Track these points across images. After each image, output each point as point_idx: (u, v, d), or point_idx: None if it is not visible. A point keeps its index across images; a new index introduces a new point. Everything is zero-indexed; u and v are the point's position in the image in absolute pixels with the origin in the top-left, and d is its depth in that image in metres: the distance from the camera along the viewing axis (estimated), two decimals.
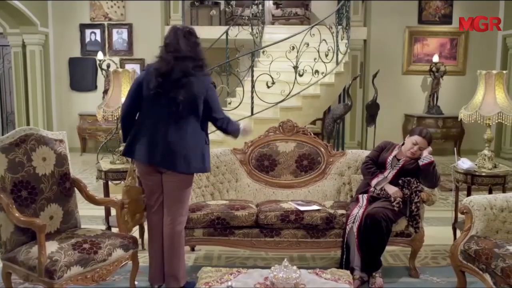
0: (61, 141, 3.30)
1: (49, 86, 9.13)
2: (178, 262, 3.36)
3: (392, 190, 3.72)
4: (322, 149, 4.39)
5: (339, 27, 7.02)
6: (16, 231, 2.96)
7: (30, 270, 2.79)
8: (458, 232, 4.27)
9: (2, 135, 7.18)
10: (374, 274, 3.57)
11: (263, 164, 4.36)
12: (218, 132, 5.96)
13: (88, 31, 9.18)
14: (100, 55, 8.80)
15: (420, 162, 3.70)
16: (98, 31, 9.17)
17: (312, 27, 6.20)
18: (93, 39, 9.20)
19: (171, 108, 3.14)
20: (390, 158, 3.85)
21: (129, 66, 8.75)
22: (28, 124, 8.66)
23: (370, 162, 3.92)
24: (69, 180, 3.29)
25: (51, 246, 2.85)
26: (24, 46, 8.73)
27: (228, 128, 3.37)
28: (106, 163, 4.52)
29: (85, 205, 3.82)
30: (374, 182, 3.81)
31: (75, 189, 3.36)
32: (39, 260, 2.72)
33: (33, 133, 3.14)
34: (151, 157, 3.19)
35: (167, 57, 3.14)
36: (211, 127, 3.40)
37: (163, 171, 3.24)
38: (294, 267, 2.60)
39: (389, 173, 3.81)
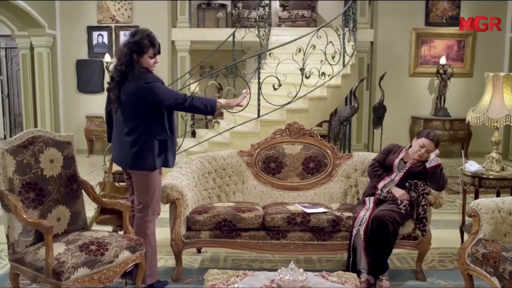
0: (68, 143, 3.32)
1: (57, 88, 9.19)
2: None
3: (399, 193, 3.70)
4: (329, 152, 4.38)
5: (346, 29, 7.01)
6: (23, 233, 2.98)
7: (37, 271, 2.81)
8: (466, 235, 4.24)
9: (10, 136, 7.21)
10: (380, 277, 3.56)
11: (270, 166, 4.36)
12: (225, 134, 6.05)
13: (95, 33, 9.23)
14: (107, 57, 8.85)
15: (427, 165, 3.68)
16: (105, 33, 9.22)
17: (319, 29, 6.19)
18: (100, 41, 9.24)
19: (114, 110, 3.42)
20: (397, 160, 3.84)
21: None
22: (35, 126, 8.72)
23: (377, 164, 3.91)
24: (76, 181, 3.31)
25: (59, 248, 2.86)
26: (32, 48, 8.79)
27: (194, 104, 3.43)
28: (113, 165, 4.52)
29: (92, 207, 3.84)
30: (381, 185, 3.80)
31: (82, 190, 3.37)
32: (46, 262, 2.73)
33: (41, 135, 3.16)
34: (114, 156, 3.58)
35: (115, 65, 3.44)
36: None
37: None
38: (301, 270, 2.59)
39: (396, 176, 3.79)
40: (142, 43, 3.31)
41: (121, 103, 3.35)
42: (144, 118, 3.34)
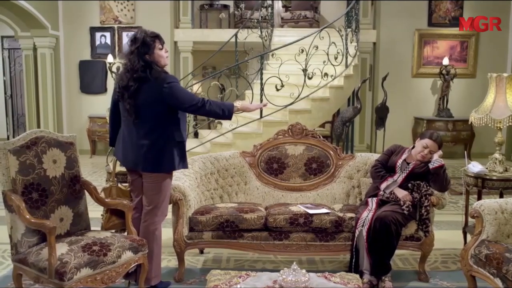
0: (71, 143, 3.32)
1: (60, 89, 9.21)
2: (151, 261, 3.37)
3: (401, 194, 3.70)
4: (331, 152, 4.38)
5: (348, 29, 7.01)
6: (26, 233, 2.98)
7: (40, 271, 2.81)
8: (469, 236, 4.23)
9: (13, 137, 7.23)
10: (383, 278, 3.55)
11: (272, 167, 4.36)
12: (227, 135, 6.05)
13: (98, 34, 9.25)
14: (110, 58, 8.85)
15: (430, 166, 3.68)
16: (108, 34, 9.23)
17: (321, 29, 6.19)
18: (103, 42, 9.26)
19: (128, 115, 3.33)
20: (399, 161, 3.83)
21: None
22: (38, 126, 8.74)
23: (379, 165, 3.91)
24: (79, 182, 3.31)
25: (61, 248, 2.86)
26: (35, 49, 8.81)
27: (212, 109, 3.38)
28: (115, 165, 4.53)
29: (94, 207, 3.84)
30: (383, 185, 3.79)
31: (85, 191, 3.38)
32: (49, 262, 2.74)
33: (44, 136, 3.16)
34: (124, 159, 3.48)
35: (122, 70, 3.36)
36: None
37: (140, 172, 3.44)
38: (303, 271, 2.59)
39: (399, 177, 3.79)
40: (146, 41, 3.27)
41: (136, 106, 3.28)
42: (161, 120, 3.30)
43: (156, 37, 3.32)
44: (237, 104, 3.53)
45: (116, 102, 3.47)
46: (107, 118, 4.70)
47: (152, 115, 3.28)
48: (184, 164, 3.45)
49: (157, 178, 3.38)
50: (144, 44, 3.25)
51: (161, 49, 3.34)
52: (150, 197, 3.43)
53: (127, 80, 3.27)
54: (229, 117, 3.48)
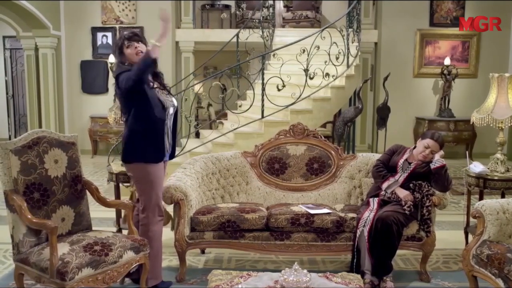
0: (72, 143, 3.33)
1: (61, 89, 9.22)
2: (151, 261, 3.36)
3: (403, 193, 3.70)
4: (333, 152, 4.38)
5: (350, 29, 7.00)
6: (28, 233, 2.99)
7: (41, 271, 2.82)
8: (470, 237, 4.23)
9: (15, 137, 7.25)
10: (384, 278, 3.55)
11: (274, 167, 4.36)
12: (229, 135, 6.05)
13: (99, 34, 9.25)
14: (111, 58, 8.84)
15: (432, 166, 3.67)
16: (109, 34, 9.24)
17: (323, 30, 6.18)
18: (104, 42, 9.27)
19: None
20: (401, 161, 3.83)
21: None
22: (40, 126, 8.75)
23: (381, 165, 3.90)
24: (81, 182, 3.32)
25: (63, 248, 2.87)
26: (36, 49, 8.82)
27: (131, 74, 3.20)
28: (117, 166, 4.54)
29: (96, 207, 3.84)
30: (385, 185, 3.79)
31: (87, 191, 3.38)
32: (50, 262, 2.74)
33: (46, 136, 3.17)
34: None
35: None
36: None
37: None
38: (305, 271, 2.59)
39: (400, 177, 3.79)
40: (117, 43, 3.40)
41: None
42: (126, 111, 3.40)
43: (125, 38, 3.40)
44: (149, 47, 3.28)
45: None
46: (109, 118, 4.72)
47: (121, 108, 3.46)
48: (146, 155, 3.34)
49: (129, 169, 3.47)
50: (116, 47, 3.43)
51: (128, 47, 3.37)
52: (137, 191, 3.53)
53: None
54: (149, 62, 3.20)
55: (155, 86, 3.42)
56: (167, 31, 3.31)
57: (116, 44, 3.41)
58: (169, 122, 3.45)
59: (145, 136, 3.34)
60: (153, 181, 3.41)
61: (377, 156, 4.20)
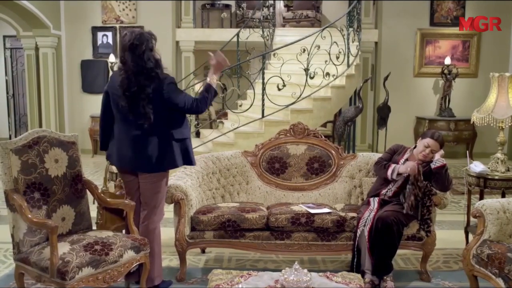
0: (73, 143, 3.33)
1: (61, 88, 9.22)
2: (153, 261, 3.37)
3: (406, 167, 3.68)
4: (333, 152, 4.38)
5: (350, 29, 7.00)
6: (28, 232, 2.99)
7: (42, 271, 2.82)
8: (471, 236, 4.23)
9: (15, 137, 7.23)
10: (385, 277, 3.55)
11: (274, 166, 4.36)
12: (229, 134, 6.05)
13: (100, 34, 9.25)
14: (111, 58, 8.87)
15: (432, 165, 3.67)
16: (109, 34, 9.24)
17: (323, 29, 6.19)
18: (105, 41, 9.27)
19: (126, 116, 3.29)
20: (402, 161, 3.83)
21: None
22: (40, 126, 8.75)
23: (382, 161, 3.91)
24: (81, 181, 3.32)
25: (63, 247, 2.87)
26: (37, 48, 8.83)
27: (199, 104, 3.32)
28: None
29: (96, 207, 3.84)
30: (389, 172, 3.77)
31: (87, 190, 3.38)
32: (51, 261, 2.74)
33: (46, 135, 3.17)
34: (119, 161, 3.44)
35: (123, 73, 3.22)
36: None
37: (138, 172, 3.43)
38: (305, 270, 2.59)
39: (400, 177, 3.78)
40: (150, 38, 3.21)
41: (137, 106, 3.22)
42: (162, 119, 3.26)
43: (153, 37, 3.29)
44: (208, 80, 3.44)
45: (107, 105, 3.42)
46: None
47: (153, 114, 3.22)
48: (187, 160, 3.42)
49: (157, 177, 3.37)
50: (149, 42, 3.20)
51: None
52: (150, 197, 3.41)
53: (135, 83, 3.18)
54: (214, 93, 3.44)
55: None
56: (222, 68, 3.54)
57: (149, 40, 3.19)
58: None
59: (186, 143, 3.39)
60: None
61: (377, 155, 4.20)
